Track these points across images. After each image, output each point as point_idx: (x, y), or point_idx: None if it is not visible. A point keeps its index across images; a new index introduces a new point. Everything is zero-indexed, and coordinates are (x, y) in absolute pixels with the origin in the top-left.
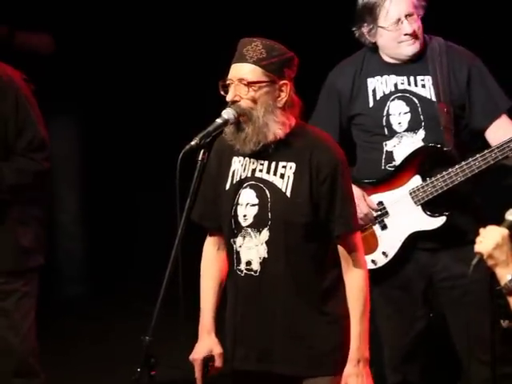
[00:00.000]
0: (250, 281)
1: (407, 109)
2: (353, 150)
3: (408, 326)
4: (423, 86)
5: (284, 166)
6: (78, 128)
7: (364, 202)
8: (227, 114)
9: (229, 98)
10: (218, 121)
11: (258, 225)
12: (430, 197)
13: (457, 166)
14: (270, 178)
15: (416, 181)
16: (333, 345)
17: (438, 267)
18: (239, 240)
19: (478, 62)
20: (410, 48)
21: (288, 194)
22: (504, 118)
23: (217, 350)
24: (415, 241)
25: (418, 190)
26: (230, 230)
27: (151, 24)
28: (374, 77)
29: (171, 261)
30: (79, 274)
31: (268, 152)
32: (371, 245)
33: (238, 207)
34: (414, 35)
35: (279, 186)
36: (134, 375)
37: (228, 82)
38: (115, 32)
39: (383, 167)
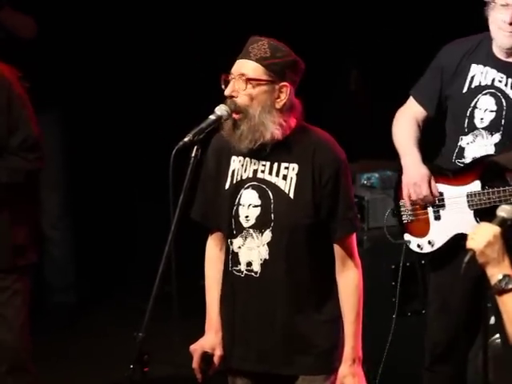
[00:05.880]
0: (250, 282)
1: (494, 107)
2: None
3: (452, 322)
4: None
5: (286, 167)
6: (60, 127)
7: (426, 183)
8: (220, 110)
9: (227, 92)
10: (211, 117)
11: (260, 226)
12: (484, 206)
13: None
14: (273, 179)
15: (475, 186)
16: (331, 344)
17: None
18: (239, 241)
19: None
20: (505, 39)
21: (291, 195)
22: None
23: (219, 351)
24: (462, 241)
25: (475, 195)
26: (228, 230)
27: (137, 19)
28: (478, 64)
29: (164, 258)
30: (65, 276)
31: (269, 152)
32: (421, 230)
33: (240, 208)
34: (511, 27)
35: (282, 187)
36: (127, 372)
37: (229, 76)
38: (97, 29)
39: (453, 160)
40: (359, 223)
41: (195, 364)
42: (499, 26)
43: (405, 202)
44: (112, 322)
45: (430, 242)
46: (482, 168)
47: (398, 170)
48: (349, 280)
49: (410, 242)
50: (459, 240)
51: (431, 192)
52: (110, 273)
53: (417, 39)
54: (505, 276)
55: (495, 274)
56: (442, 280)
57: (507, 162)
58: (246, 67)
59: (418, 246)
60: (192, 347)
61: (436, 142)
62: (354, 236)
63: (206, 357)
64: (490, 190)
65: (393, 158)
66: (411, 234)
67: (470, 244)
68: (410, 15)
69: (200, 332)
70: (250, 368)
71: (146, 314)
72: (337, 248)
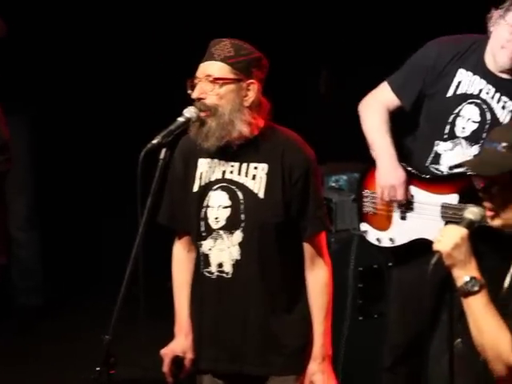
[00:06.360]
0: (221, 283)
1: (478, 118)
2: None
3: (415, 322)
4: (503, 107)
5: (256, 168)
6: (28, 128)
7: (403, 188)
8: (189, 112)
9: (194, 95)
10: (180, 119)
11: (230, 227)
12: (456, 221)
13: None
14: (242, 179)
15: (452, 199)
16: (302, 343)
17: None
18: (209, 242)
19: None
20: (506, 60)
21: (261, 195)
22: None
23: (190, 354)
24: (427, 246)
25: (450, 208)
26: (197, 233)
27: (105, 21)
28: (466, 70)
29: (132, 259)
30: (31, 277)
31: (237, 153)
32: (382, 224)
33: (209, 209)
34: None
35: (251, 187)
36: (94, 374)
37: (195, 80)
38: (67, 30)
39: (427, 165)
40: (329, 222)
41: (166, 368)
42: (503, 46)
43: (376, 197)
44: (78, 323)
45: (391, 239)
46: (464, 184)
47: (371, 162)
48: (318, 279)
49: (367, 232)
50: (421, 244)
51: (405, 196)
52: (77, 275)
53: (387, 40)
54: (471, 278)
55: (461, 276)
56: (404, 281)
57: None
58: (211, 68)
59: (377, 239)
60: (162, 351)
61: (401, 133)
62: (324, 235)
63: (177, 360)
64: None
65: (362, 160)
66: (370, 224)
67: (437, 246)
68: (381, 15)
69: (167, 334)
70: (221, 369)
71: (113, 315)
72: (306, 247)
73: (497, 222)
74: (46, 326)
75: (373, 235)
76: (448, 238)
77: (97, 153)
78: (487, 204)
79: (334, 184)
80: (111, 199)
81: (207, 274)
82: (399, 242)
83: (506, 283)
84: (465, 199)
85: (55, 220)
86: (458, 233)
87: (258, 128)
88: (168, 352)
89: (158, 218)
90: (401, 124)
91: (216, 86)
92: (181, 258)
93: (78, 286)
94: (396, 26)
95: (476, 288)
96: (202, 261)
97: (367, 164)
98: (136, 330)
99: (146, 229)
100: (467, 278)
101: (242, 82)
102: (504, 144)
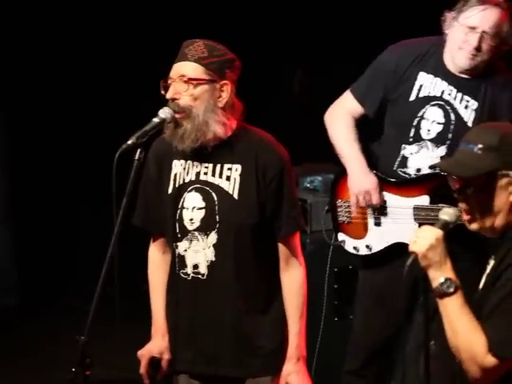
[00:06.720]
0: (197, 284)
1: (442, 120)
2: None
3: (382, 324)
4: (466, 107)
5: (229, 168)
6: (2, 128)
7: (377, 192)
8: (164, 113)
9: (168, 95)
10: (155, 120)
11: (205, 228)
12: (430, 222)
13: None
14: (216, 180)
15: (423, 200)
16: (277, 344)
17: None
18: (184, 244)
19: None
20: (465, 60)
21: (235, 196)
22: None
23: (166, 355)
24: (403, 249)
25: (422, 209)
26: (173, 234)
27: (81, 21)
28: (427, 73)
29: (107, 260)
30: (6, 278)
31: (211, 154)
32: (358, 232)
33: (184, 211)
34: (476, 50)
35: (226, 188)
36: (69, 375)
37: (169, 80)
38: (40, 31)
39: (395, 168)
40: (303, 222)
41: (143, 369)
42: (460, 47)
43: (351, 205)
44: (54, 324)
45: (367, 246)
46: (433, 185)
47: (341, 170)
48: (293, 279)
49: (344, 241)
50: (399, 248)
51: (381, 200)
52: (53, 275)
53: (361, 39)
54: (446, 279)
55: (437, 278)
56: (374, 283)
57: None
58: (185, 68)
59: (355, 248)
60: (139, 352)
61: (367, 141)
62: (298, 235)
63: (154, 361)
64: (439, 207)
65: (336, 161)
66: (347, 234)
67: (412, 247)
68: (355, 14)
69: (143, 335)
70: (198, 371)
71: (88, 316)
72: (281, 247)
73: (474, 226)
74: (21, 327)
75: (350, 244)
76: (423, 240)
77: (72, 153)
78: (462, 205)
79: (308, 185)
80: (86, 199)
81: (183, 276)
82: (376, 248)
83: (481, 285)
84: (435, 200)
85: (30, 220)
86: (433, 234)
87: (232, 129)
88: (145, 353)
89: (132, 220)
90: (367, 130)
91: (190, 86)
92: (156, 259)
93: (53, 286)
94: (370, 24)
95: (451, 289)
96: (177, 262)
97: (337, 173)
98: (113, 330)
99: (122, 229)
100: (442, 279)
101: (216, 82)
102: (480, 146)
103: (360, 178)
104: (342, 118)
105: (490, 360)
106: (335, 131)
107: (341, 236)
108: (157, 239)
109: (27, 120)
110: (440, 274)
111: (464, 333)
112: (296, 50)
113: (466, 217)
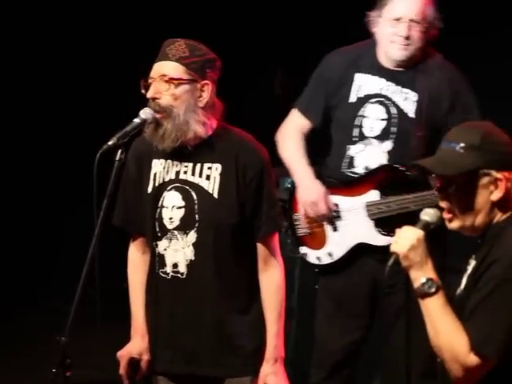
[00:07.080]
0: (176, 284)
1: (384, 116)
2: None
3: (345, 329)
4: (406, 99)
5: (210, 168)
6: None
7: (324, 201)
8: (145, 113)
9: (149, 94)
10: (136, 120)
11: (184, 227)
12: (383, 215)
13: (413, 195)
14: (196, 179)
15: (373, 195)
16: (256, 345)
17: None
18: (164, 243)
19: (463, 91)
20: (399, 52)
21: (215, 195)
22: None
23: (146, 356)
24: (364, 250)
25: (374, 205)
26: (153, 233)
27: (60, 21)
28: (363, 73)
29: (88, 261)
30: None
31: (192, 153)
32: (319, 242)
33: (163, 210)
34: (407, 40)
35: (206, 187)
36: (50, 376)
37: (149, 80)
38: (22, 30)
39: (342, 170)
40: (282, 222)
41: (122, 370)
42: (392, 40)
43: (300, 217)
44: (34, 325)
45: (329, 254)
46: (379, 178)
47: (294, 186)
48: (271, 279)
49: (306, 254)
50: (364, 249)
51: (328, 208)
52: (33, 276)
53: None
54: (428, 280)
55: (418, 278)
56: (332, 287)
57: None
58: (166, 68)
59: (317, 258)
60: (119, 353)
61: (319, 151)
62: (277, 235)
63: (133, 362)
64: (390, 199)
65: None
66: (308, 246)
67: (393, 247)
68: (336, 14)
69: (123, 336)
70: (177, 371)
71: (69, 317)
72: (260, 247)
73: (454, 225)
74: (1, 328)
75: (312, 256)
76: (404, 240)
77: (52, 154)
78: (443, 204)
79: (289, 185)
80: (67, 200)
81: (162, 275)
82: (338, 254)
83: (463, 285)
84: (385, 192)
85: (10, 220)
86: (414, 234)
87: (212, 128)
88: (124, 354)
89: (112, 220)
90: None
91: (171, 86)
92: (136, 259)
93: (33, 286)
94: (350, 25)
95: (433, 289)
96: (157, 261)
97: (290, 190)
98: (93, 331)
99: (103, 230)
100: (424, 280)
101: (197, 82)
102: (462, 144)
103: (305, 189)
104: (290, 137)
105: (473, 359)
106: (285, 151)
107: (302, 249)
108: (136, 239)
109: (5, 120)
110: (421, 274)
111: (446, 332)
112: (276, 51)
113: (446, 215)
